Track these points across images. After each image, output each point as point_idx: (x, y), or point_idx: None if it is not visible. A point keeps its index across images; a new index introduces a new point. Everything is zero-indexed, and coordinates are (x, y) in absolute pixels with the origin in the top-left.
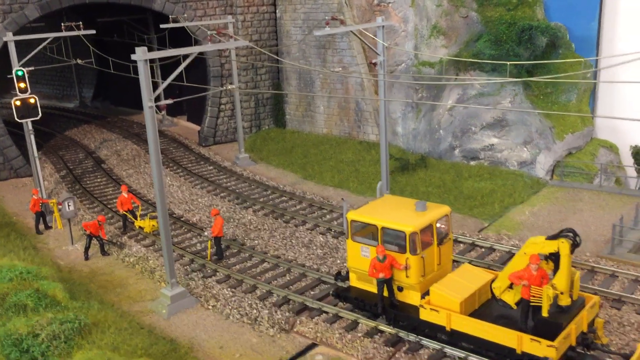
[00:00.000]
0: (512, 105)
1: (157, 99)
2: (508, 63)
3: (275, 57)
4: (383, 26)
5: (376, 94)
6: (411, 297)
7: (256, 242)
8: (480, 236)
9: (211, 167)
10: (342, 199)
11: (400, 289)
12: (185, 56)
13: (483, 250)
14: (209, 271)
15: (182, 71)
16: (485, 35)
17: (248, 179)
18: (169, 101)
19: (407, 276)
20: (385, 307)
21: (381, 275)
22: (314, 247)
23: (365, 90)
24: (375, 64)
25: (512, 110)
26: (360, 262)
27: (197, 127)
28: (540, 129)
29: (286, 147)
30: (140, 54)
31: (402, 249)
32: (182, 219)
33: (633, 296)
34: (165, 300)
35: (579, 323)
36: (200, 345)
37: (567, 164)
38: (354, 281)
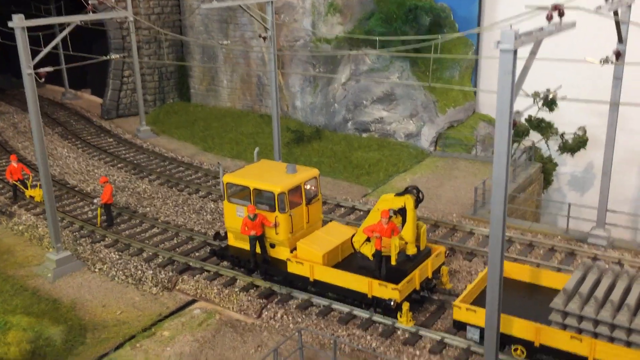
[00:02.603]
0: (400, 81)
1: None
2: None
3: (159, 29)
4: (272, 2)
5: (278, 68)
6: (282, 252)
7: (148, 209)
8: (361, 201)
9: (111, 140)
10: (218, 163)
11: (273, 246)
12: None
13: (362, 213)
14: (98, 237)
15: (67, 40)
16: (377, 14)
17: (147, 151)
18: (49, 69)
19: (276, 233)
20: (258, 262)
21: (252, 232)
22: (204, 213)
23: (266, 65)
24: (265, 38)
25: (401, 83)
26: (236, 222)
27: (101, 101)
28: (425, 103)
29: (189, 120)
30: (17, 22)
31: (272, 208)
32: (75, 189)
33: (483, 249)
34: (51, 264)
35: (423, 270)
36: (83, 304)
37: (448, 136)
38: (231, 240)
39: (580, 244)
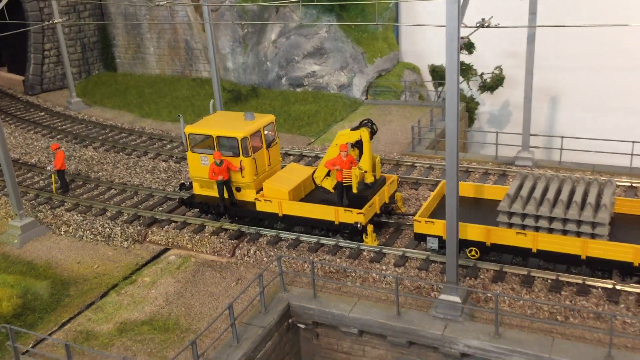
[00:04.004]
0: (328, 35)
1: None
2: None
3: None
4: None
5: (204, 32)
6: (248, 194)
7: (100, 173)
8: (307, 148)
9: (43, 113)
10: (179, 115)
11: (239, 190)
12: None
13: (310, 158)
14: (57, 202)
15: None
16: None
17: (84, 121)
18: None
19: (242, 176)
20: (227, 206)
21: (220, 177)
22: (158, 172)
23: (192, 28)
24: None
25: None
26: (200, 170)
27: (20, 78)
28: (354, 55)
29: (119, 89)
30: None
31: (236, 153)
32: (20, 162)
33: (427, 178)
34: (15, 230)
35: (381, 196)
36: (58, 263)
37: (378, 85)
38: (197, 189)
39: (509, 166)
